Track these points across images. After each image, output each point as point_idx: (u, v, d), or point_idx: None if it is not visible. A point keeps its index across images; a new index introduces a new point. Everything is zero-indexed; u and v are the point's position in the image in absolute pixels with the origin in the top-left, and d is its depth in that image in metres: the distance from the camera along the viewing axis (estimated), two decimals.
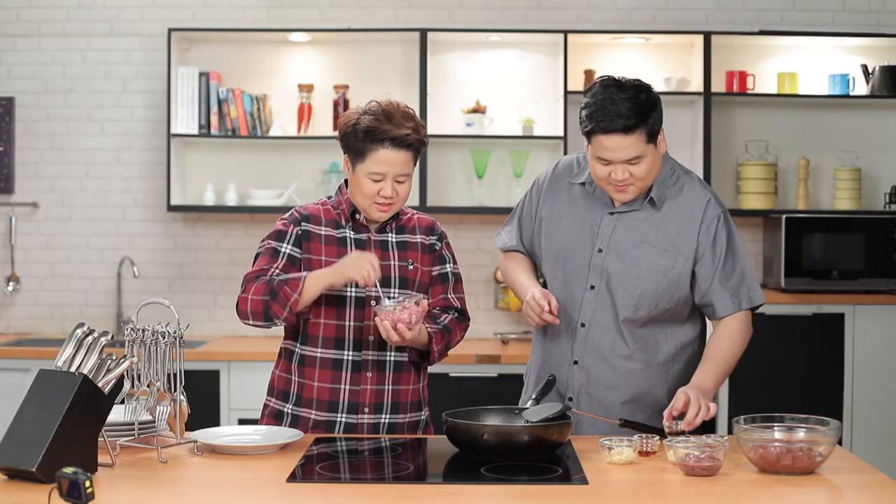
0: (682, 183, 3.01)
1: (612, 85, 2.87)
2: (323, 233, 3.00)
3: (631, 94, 2.84)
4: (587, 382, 3.01)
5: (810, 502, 2.35)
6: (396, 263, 3.01)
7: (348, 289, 2.96)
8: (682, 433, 2.72)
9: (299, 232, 2.99)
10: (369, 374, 2.98)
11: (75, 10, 5.52)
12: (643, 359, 2.99)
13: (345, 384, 2.97)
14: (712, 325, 3.03)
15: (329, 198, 3.10)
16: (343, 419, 2.98)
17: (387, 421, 3.00)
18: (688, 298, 3.00)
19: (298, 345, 3.02)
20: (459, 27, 5.43)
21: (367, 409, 2.98)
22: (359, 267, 2.83)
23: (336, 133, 5.31)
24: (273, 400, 3.06)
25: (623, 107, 2.82)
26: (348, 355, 2.98)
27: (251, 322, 2.92)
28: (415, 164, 3.00)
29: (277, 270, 2.93)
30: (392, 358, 3.00)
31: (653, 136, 2.88)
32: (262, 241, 3.02)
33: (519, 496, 2.34)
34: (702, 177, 5.12)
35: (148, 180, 5.54)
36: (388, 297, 2.89)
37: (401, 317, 2.81)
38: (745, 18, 5.49)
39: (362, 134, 2.92)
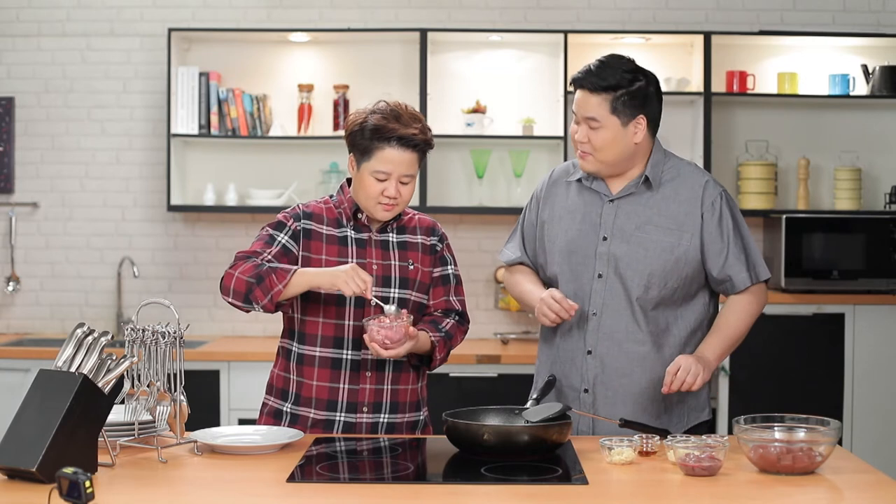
0: (679, 166, 3.10)
1: (621, 56, 3.04)
2: (325, 231, 3.00)
3: (624, 69, 2.99)
4: (602, 372, 3.03)
5: (810, 502, 2.35)
6: (397, 263, 3.02)
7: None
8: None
9: (298, 228, 3.00)
10: (368, 374, 2.99)
11: (75, 10, 5.52)
12: (655, 341, 3.02)
13: (343, 383, 2.98)
14: (726, 301, 3.11)
15: (331, 197, 3.10)
16: (342, 418, 2.98)
17: (385, 420, 3.00)
18: (696, 275, 3.04)
19: (296, 344, 3.02)
20: (459, 27, 5.43)
21: (365, 409, 2.99)
22: (350, 280, 2.81)
23: (336, 133, 5.38)
24: (272, 399, 3.06)
25: (605, 72, 2.97)
26: (347, 354, 2.98)
27: (230, 299, 2.90)
28: (419, 167, 3.00)
29: (270, 256, 2.93)
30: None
31: (619, 112, 2.97)
32: (262, 228, 3.03)
33: (519, 496, 2.34)
34: None
35: (148, 180, 5.54)
36: (392, 304, 2.91)
37: (374, 336, 2.83)
38: (745, 18, 5.49)
39: (369, 132, 2.92)
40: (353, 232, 3.02)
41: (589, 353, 3.04)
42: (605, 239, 3.04)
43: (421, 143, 2.95)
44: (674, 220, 3.02)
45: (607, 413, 3.00)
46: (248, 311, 2.93)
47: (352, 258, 2.98)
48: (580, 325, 3.05)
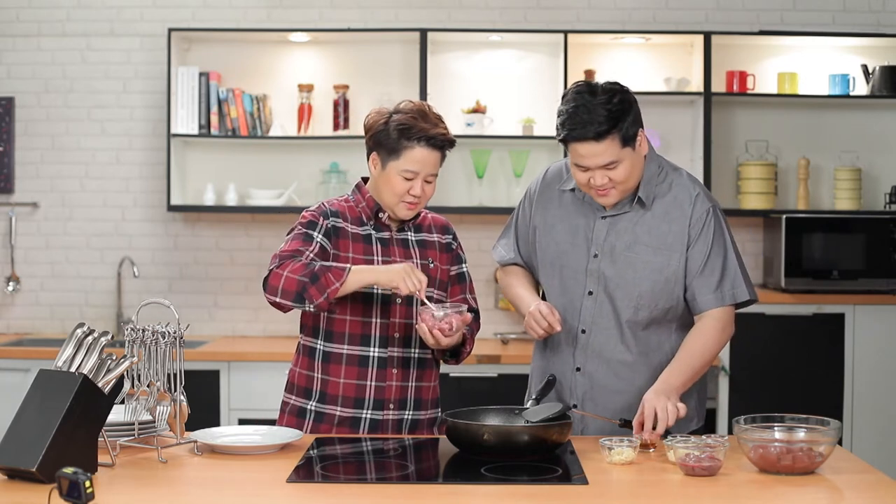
0: (671, 180, 3.00)
1: (585, 91, 2.86)
2: (350, 230, 3.00)
3: (603, 100, 2.82)
4: (591, 388, 3.01)
5: (810, 502, 2.35)
6: (418, 262, 3.03)
7: (375, 287, 2.96)
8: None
9: (329, 225, 2.98)
10: (394, 371, 3.00)
11: (75, 10, 5.53)
12: (645, 361, 2.98)
13: (371, 381, 2.98)
14: (695, 321, 3.00)
15: (349, 196, 3.09)
16: (368, 415, 2.98)
17: (410, 417, 3.02)
18: None
19: (322, 342, 3.01)
20: (459, 27, 5.43)
21: (391, 406, 2.99)
22: (407, 278, 2.80)
23: (336, 133, 5.37)
24: (293, 397, 3.05)
25: (595, 114, 2.80)
26: (374, 352, 2.98)
27: (278, 299, 2.83)
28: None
29: (312, 255, 2.89)
30: (416, 355, 3.02)
31: (628, 141, 2.85)
32: (291, 228, 3.00)
33: (519, 496, 2.34)
34: (702, 177, 5.15)
35: (148, 180, 5.54)
36: (434, 302, 2.92)
37: (441, 325, 2.84)
38: (745, 18, 5.49)
39: (397, 132, 2.92)
40: (374, 231, 3.02)
41: (578, 370, 3.01)
42: (595, 256, 2.99)
43: (446, 143, 2.97)
44: (663, 240, 2.95)
45: (596, 429, 2.97)
46: (290, 310, 2.87)
47: (377, 256, 2.99)
48: (569, 341, 3.02)
